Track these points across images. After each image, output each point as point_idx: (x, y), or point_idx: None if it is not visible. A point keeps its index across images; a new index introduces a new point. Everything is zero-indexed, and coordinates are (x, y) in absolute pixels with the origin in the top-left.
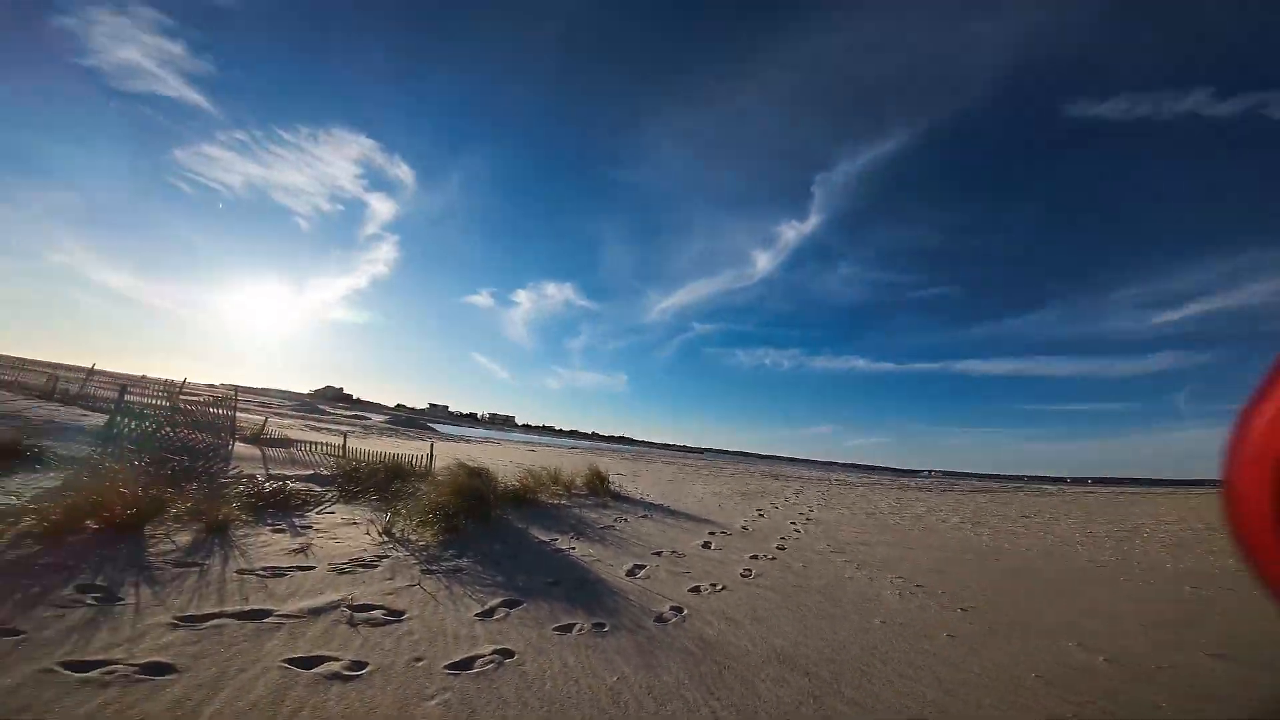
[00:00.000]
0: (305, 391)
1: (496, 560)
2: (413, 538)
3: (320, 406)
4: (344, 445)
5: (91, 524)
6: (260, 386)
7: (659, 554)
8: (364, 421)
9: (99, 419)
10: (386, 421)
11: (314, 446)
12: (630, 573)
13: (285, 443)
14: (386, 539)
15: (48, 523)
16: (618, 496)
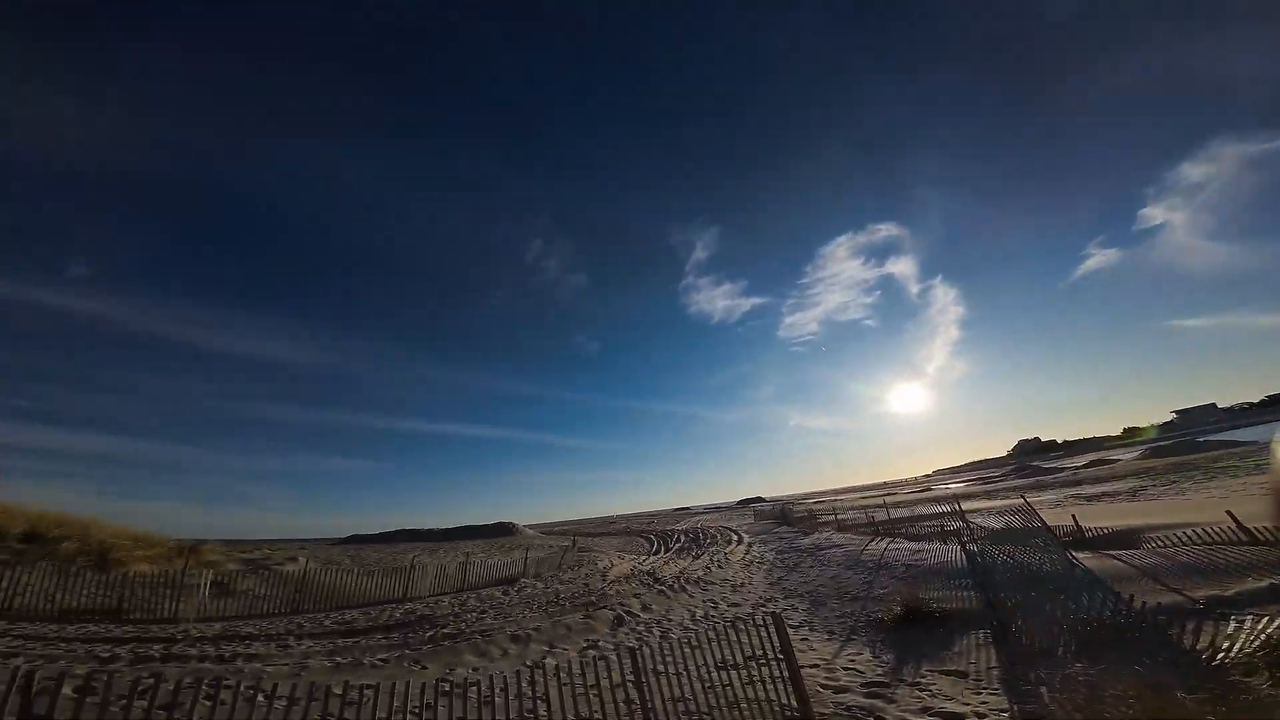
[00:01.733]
0: (1003, 454)
1: None
2: None
3: (1033, 464)
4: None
5: None
6: (961, 464)
7: None
8: (1109, 465)
9: (929, 552)
10: (1145, 454)
11: (1161, 540)
12: None
13: (1109, 540)
14: None
15: None
16: None
